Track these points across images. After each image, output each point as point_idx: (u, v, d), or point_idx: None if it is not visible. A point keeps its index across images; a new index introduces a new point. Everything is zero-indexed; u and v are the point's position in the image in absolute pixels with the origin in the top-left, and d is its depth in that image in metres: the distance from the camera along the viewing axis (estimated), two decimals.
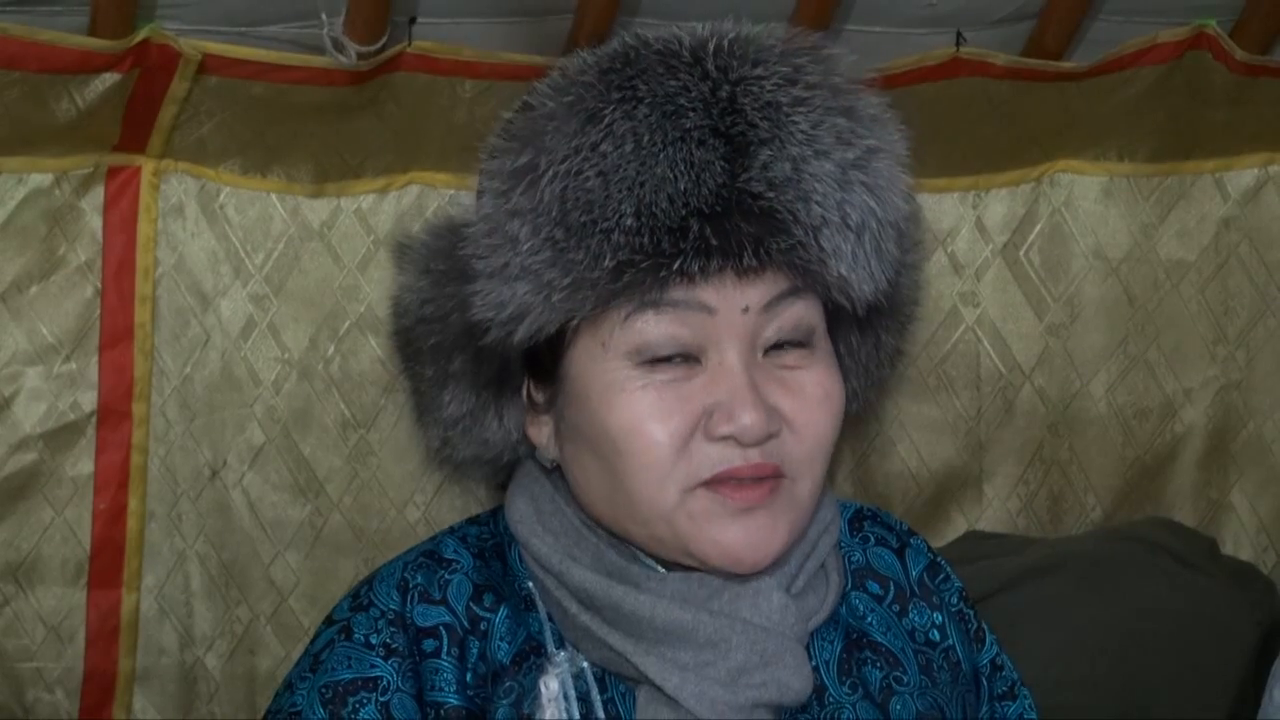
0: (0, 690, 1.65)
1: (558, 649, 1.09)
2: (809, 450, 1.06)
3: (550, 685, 1.06)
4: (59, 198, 1.61)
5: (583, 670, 1.08)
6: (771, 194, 0.99)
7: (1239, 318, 1.93)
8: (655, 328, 1.02)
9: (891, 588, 1.21)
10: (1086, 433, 1.91)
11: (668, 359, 1.03)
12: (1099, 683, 1.72)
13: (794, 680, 1.06)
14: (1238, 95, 1.83)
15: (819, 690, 1.12)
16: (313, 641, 1.12)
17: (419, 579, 1.11)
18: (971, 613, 1.25)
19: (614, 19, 1.60)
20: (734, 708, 1.04)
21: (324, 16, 1.54)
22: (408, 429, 1.64)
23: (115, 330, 1.64)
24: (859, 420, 1.30)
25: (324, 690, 1.06)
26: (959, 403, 1.88)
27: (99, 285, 1.64)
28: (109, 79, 1.53)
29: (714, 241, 0.99)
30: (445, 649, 1.08)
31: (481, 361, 1.12)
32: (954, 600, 1.23)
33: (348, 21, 1.55)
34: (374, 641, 1.08)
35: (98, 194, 1.63)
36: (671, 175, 0.98)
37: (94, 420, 1.65)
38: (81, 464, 1.65)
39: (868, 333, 1.16)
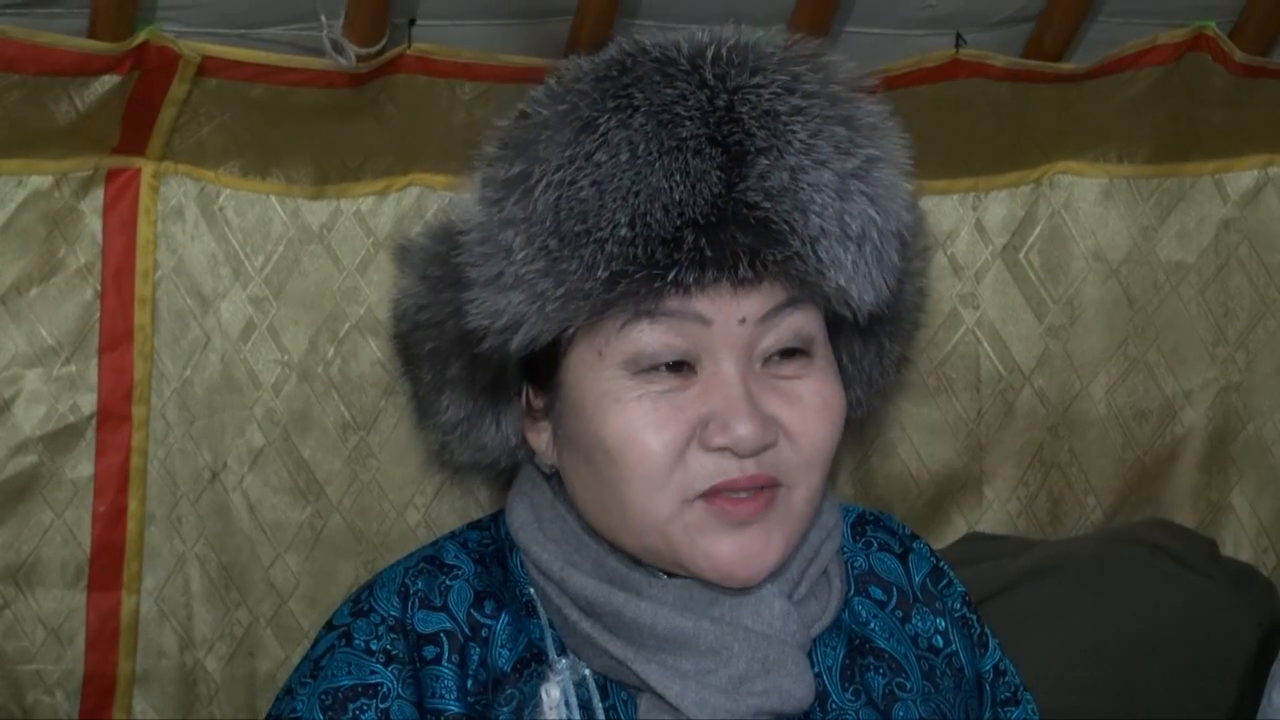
0: (0, 692, 1.65)
1: (559, 656, 1.09)
2: (806, 459, 1.05)
3: (552, 693, 1.06)
4: (58, 200, 1.60)
5: (584, 677, 1.08)
6: (768, 204, 0.98)
7: (1239, 319, 1.92)
8: (650, 337, 1.02)
9: (894, 593, 1.21)
10: (1086, 434, 1.90)
11: (663, 368, 1.03)
12: (1098, 684, 1.72)
13: (796, 688, 1.06)
14: (1237, 97, 1.82)
15: (822, 696, 1.12)
16: (313, 646, 1.12)
17: (420, 585, 1.11)
18: (975, 618, 1.24)
19: (613, 21, 1.60)
20: (736, 715, 1.04)
21: (323, 18, 1.54)
22: (408, 431, 1.64)
23: (115, 332, 1.64)
24: (860, 424, 1.29)
25: (324, 696, 1.06)
26: (959, 405, 1.87)
27: (98, 287, 1.63)
28: (108, 81, 1.52)
29: (709, 253, 0.98)
30: (446, 656, 1.08)
31: (478, 368, 1.12)
32: (957, 605, 1.23)
33: (347, 23, 1.54)
34: (374, 648, 1.08)
35: (97, 196, 1.62)
36: (667, 185, 0.98)
37: (94, 423, 1.64)
38: (81, 466, 1.64)
39: (870, 340, 1.16)
